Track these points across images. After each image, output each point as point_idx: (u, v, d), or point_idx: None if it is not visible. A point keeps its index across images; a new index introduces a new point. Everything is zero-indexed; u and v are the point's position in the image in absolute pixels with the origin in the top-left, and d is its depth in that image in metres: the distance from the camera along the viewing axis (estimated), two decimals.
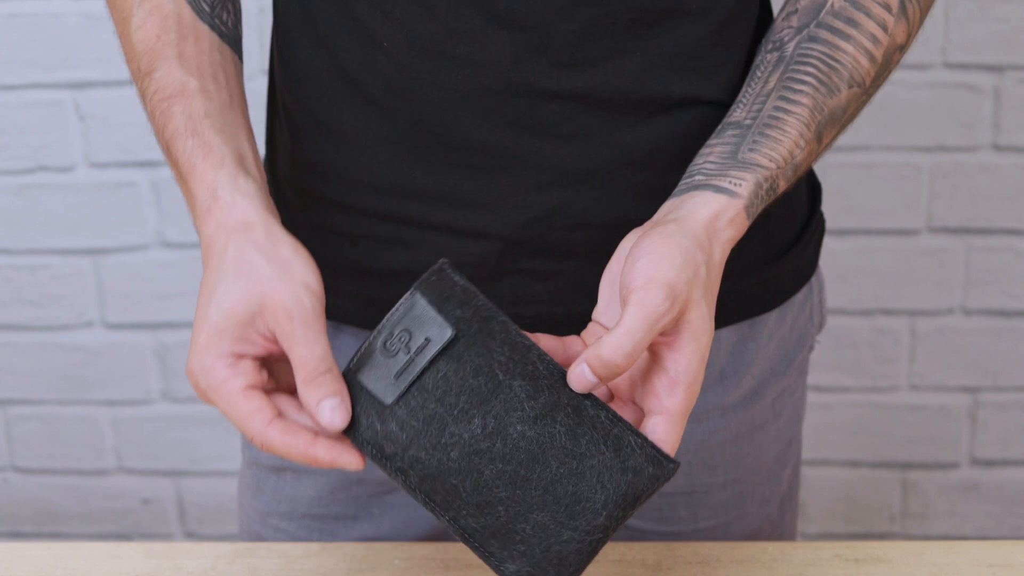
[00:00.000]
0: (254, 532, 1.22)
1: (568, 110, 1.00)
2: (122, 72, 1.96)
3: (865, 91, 1.01)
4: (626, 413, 0.90)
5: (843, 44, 0.99)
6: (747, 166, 0.94)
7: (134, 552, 1.07)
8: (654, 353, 0.88)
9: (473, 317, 0.87)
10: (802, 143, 0.97)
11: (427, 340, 0.87)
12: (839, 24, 0.99)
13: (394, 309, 0.88)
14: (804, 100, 0.97)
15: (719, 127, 0.99)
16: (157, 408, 2.16)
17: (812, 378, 2.02)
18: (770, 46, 1.01)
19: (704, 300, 0.88)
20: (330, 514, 1.17)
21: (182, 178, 0.94)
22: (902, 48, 1.02)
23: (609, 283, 0.92)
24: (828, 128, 0.99)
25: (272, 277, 0.87)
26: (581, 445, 0.85)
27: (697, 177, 0.95)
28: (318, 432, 0.86)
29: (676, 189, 0.96)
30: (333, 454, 0.85)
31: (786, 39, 1.00)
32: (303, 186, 1.10)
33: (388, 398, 0.86)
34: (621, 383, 0.91)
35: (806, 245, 1.15)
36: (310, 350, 0.85)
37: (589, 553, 0.85)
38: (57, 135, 2.01)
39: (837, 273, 2.02)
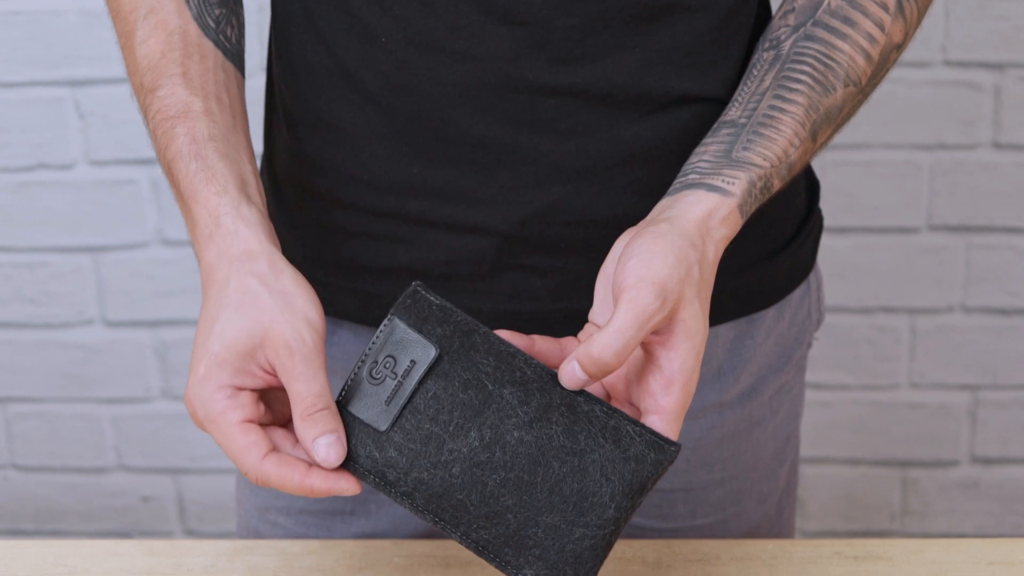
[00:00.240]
0: (252, 527, 1.22)
1: (567, 106, 1.00)
2: (122, 70, 1.95)
3: (861, 90, 1.01)
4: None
5: (839, 43, 0.99)
6: (741, 165, 0.94)
7: (134, 550, 1.07)
8: (648, 352, 0.88)
9: (454, 333, 0.88)
10: (796, 142, 0.97)
11: (412, 362, 0.87)
12: (836, 23, 0.99)
13: (374, 337, 0.88)
14: (799, 99, 0.97)
15: (714, 126, 0.99)
16: (157, 406, 2.16)
17: (812, 376, 2.02)
18: (767, 44, 1.01)
19: (697, 299, 0.88)
20: (327, 509, 1.17)
21: (183, 200, 0.94)
22: (899, 47, 1.02)
23: (603, 283, 0.92)
24: (823, 127, 0.99)
25: (274, 310, 0.87)
26: (580, 441, 0.86)
27: (691, 176, 0.95)
28: (311, 464, 0.86)
29: (670, 188, 0.96)
30: (329, 482, 0.86)
31: (783, 37, 1.00)
32: (301, 183, 1.10)
33: (382, 425, 0.87)
34: (617, 383, 0.91)
35: (804, 242, 1.15)
36: (308, 386, 0.86)
37: (604, 548, 0.85)
38: (57, 132, 2.00)
39: (837, 271, 2.02)
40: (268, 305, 0.87)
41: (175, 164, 0.94)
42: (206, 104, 0.96)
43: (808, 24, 0.99)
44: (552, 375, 0.87)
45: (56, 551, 1.07)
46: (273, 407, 0.90)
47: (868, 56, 1.00)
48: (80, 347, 2.13)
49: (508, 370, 0.87)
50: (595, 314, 0.92)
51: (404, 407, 0.87)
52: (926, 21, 1.09)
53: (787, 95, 0.97)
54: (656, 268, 0.86)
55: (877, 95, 1.04)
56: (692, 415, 1.13)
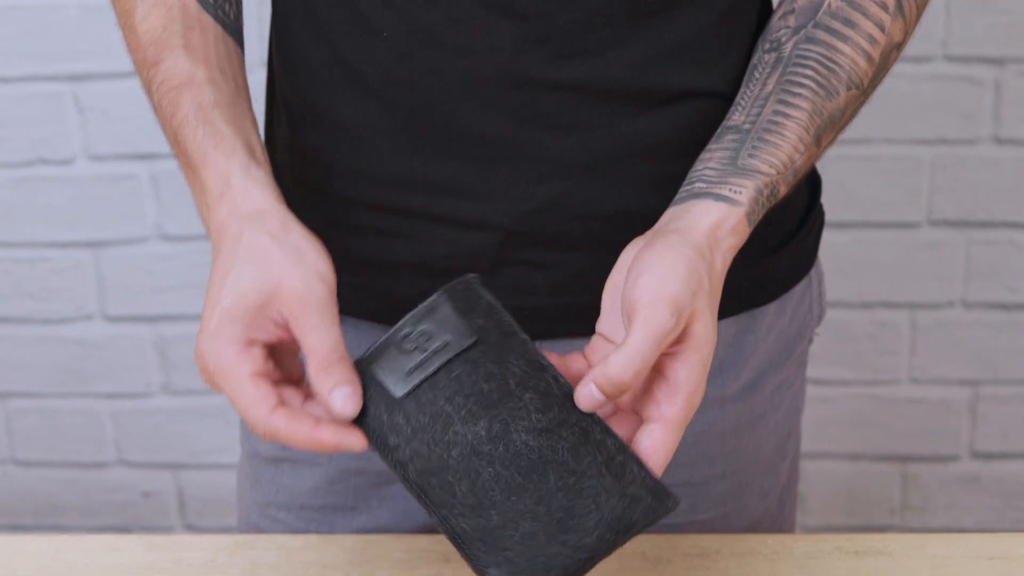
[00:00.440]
0: (253, 523, 1.22)
1: (568, 101, 1.00)
2: (121, 64, 1.96)
3: (863, 92, 1.00)
4: (627, 422, 0.90)
5: (841, 45, 0.98)
6: (747, 173, 0.94)
7: (134, 544, 1.07)
8: (656, 363, 0.88)
9: (494, 329, 0.88)
10: (801, 147, 0.97)
11: (446, 343, 0.87)
12: (837, 25, 0.99)
13: (417, 309, 0.89)
14: (803, 104, 0.97)
15: (718, 131, 0.98)
16: (157, 401, 2.16)
17: (812, 371, 2.01)
18: (767, 46, 1.01)
19: (709, 310, 0.88)
20: (328, 505, 1.17)
21: (191, 167, 0.94)
22: (899, 46, 1.02)
23: (611, 294, 0.92)
24: (827, 131, 0.99)
25: (286, 264, 0.87)
26: (582, 464, 0.85)
27: (697, 184, 0.94)
28: (320, 419, 0.86)
29: (676, 197, 0.95)
30: (338, 436, 0.86)
31: (783, 39, 1.00)
32: (302, 178, 1.10)
33: (398, 391, 0.87)
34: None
35: (805, 237, 1.15)
36: (323, 338, 0.86)
37: (574, 572, 0.84)
38: (56, 128, 2.00)
39: (837, 266, 2.02)
40: (280, 259, 0.87)
41: (182, 131, 0.94)
42: (209, 73, 0.97)
43: (809, 26, 0.99)
44: None
45: (56, 546, 1.07)
46: (282, 365, 0.90)
47: (869, 58, 0.99)
48: (80, 342, 2.13)
49: (535, 378, 0.87)
50: (601, 325, 0.92)
51: (424, 380, 0.87)
52: (926, 16, 1.09)
53: (791, 100, 0.97)
54: (669, 283, 0.86)
55: (878, 90, 1.04)
56: None
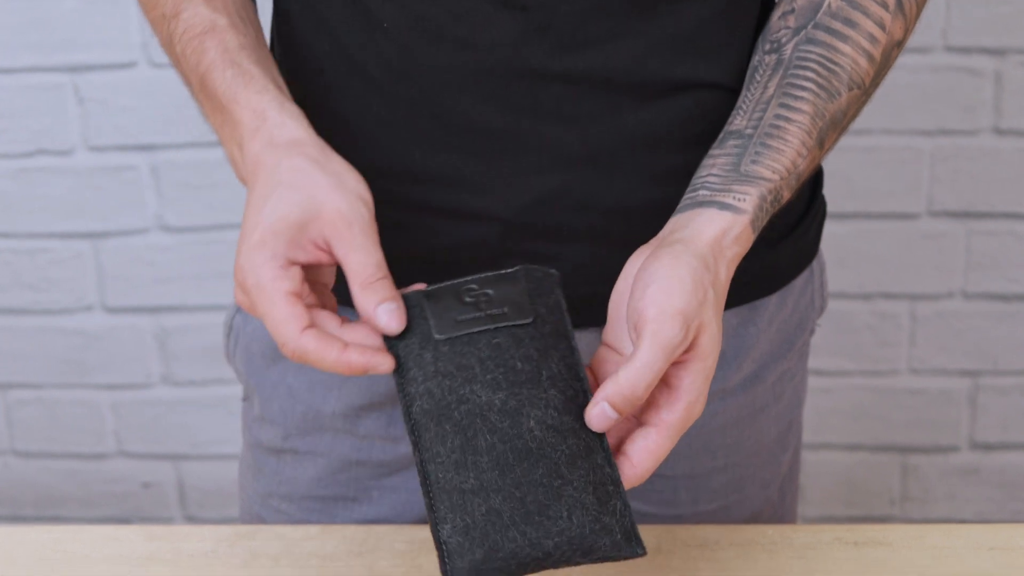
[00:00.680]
0: (255, 514, 1.22)
1: (569, 92, 1.00)
2: (121, 55, 1.96)
3: (865, 92, 1.00)
4: (624, 426, 0.90)
5: (841, 46, 0.98)
6: (751, 179, 0.94)
7: (134, 535, 1.07)
8: None
9: (551, 323, 0.89)
10: (804, 151, 0.96)
11: (503, 312, 0.89)
12: (837, 25, 0.98)
13: (492, 272, 0.90)
14: (805, 107, 0.97)
15: (720, 136, 0.98)
16: (157, 392, 2.16)
17: (812, 362, 2.01)
18: (768, 46, 1.01)
19: (715, 320, 0.88)
20: (330, 495, 1.17)
21: (221, 109, 0.95)
22: (900, 44, 1.02)
23: (617, 304, 0.92)
24: (829, 133, 0.98)
25: (328, 186, 0.88)
26: (573, 474, 0.85)
27: (701, 192, 0.94)
28: (350, 343, 0.87)
29: (680, 204, 0.95)
30: (366, 357, 0.86)
31: (784, 40, 1.00)
32: None
33: (439, 333, 0.88)
34: None
35: (807, 229, 1.15)
36: (367, 256, 0.87)
37: (517, 565, 0.84)
38: (56, 118, 2.00)
39: (837, 257, 2.01)
40: (322, 182, 0.88)
41: (209, 75, 0.95)
42: (231, 20, 0.98)
43: (809, 27, 0.99)
44: None
45: (56, 536, 1.07)
46: (316, 293, 0.90)
47: (870, 57, 0.99)
48: (80, 333, 2.13)
49: (566, 382, 0.87)
50: (608, 335, 0.92)
51: (467, 334, 0.88)
52: (927, 6, 1.08)
53: (792, 103, 0.97)
54: (676, 296, 0.86)
55: None
56: None
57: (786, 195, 0.96)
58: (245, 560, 1.04)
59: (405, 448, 1.14)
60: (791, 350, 1.18)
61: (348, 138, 1.05)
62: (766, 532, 1.07)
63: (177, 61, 1.00)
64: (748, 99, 0.99)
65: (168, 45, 1.01)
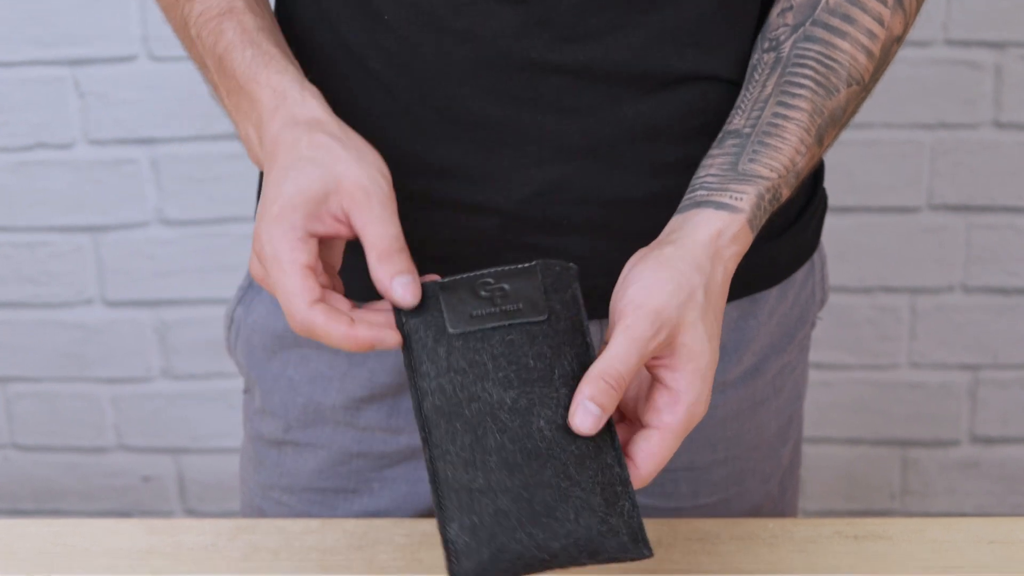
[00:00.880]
0: (255, 506, 1.22)
1: (569, 84, 1.00)
2: (122, 49, 1.96)
3: (864, 87, 1.00)
4: (630, 431, 0.90)
5: (840, 42, 0.98)
6: (748, 178, 0.94)
7: (134, 528, 1.07)
8: (655, 374, 0.88)
9: (566, 320, 0.89)
10: (803, 149, 0.96)
11: (518, 308, 0.89)
12: (835, 21, 0.98)
13: (509, 266, 0.90)
14: (803, 104, 0.96)
15: (719, 136, 0.98)
16: (157, 385, 2.16)
17: (812, 356, 2.01)
18: (766, 45, 1.01)
19: (702, 322, 0.88)
20: (331, 487, 1.17)
21: (239, 89, 0.95)
22: (899, 40, 1.02)
23: (614, 304, 0.92)
24: (829, 130, 0.98)
25: (348, 160, 0.89)
26: (582, 476, 0.85)
27: (699, 192, 0.94)
28: (359, 319, 0.87)
29: (680, 204, 0.95)
30: (373, 332, 0.87)
31: (782, 38, 0.99)
32: None
33: (453, 327, 0.88)
34: (627, 402, 0.91)
35: (808, 222, 1.15)
36: (385, 228, 0.87)
37: (524, 565, 0.84)
38: (56, 112, 2.00)
39: (838, 250, 2.01)
40: (342, 156, 0.89)
41: (228, 55, 0.96)
42: (247, 2, 0.99)
43: (807, 24, 0.99)
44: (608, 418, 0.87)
45: (56, 530, 1.07)
46: (329, 274, 0.91)
47: (869, 53, 0.99)
48: (80, 327, 2.13)
49: (579, 380, 0.87)
50: (609, 333, 0.92)
51: (481, 330, 0.88)
52: (927, 0, 1.08)
53: (790, 101, 0.97)
54: (654, 295, 0.87)
55: None
56: None
57: (785, 193, 0.96)
58: (245, 553, 1.04)
59: (406, 440, 1.14)
60: (791, 343, 1.18)
61: None
62: (767, 526, 1.07)
63: (191, 44, 1.00)
64: (746, 98, 0.99)
65: (182, 28, 1.01)
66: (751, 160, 0.95)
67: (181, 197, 2.03)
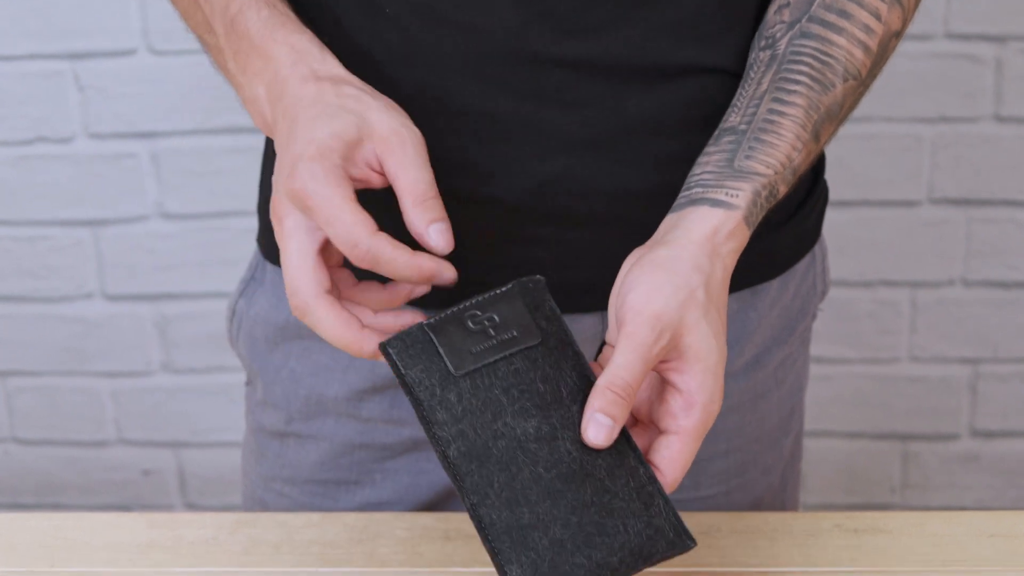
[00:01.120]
0: (257, 497, 1.22)
1: (571, 77, 1.00)
2: (122, 43, 1.96)
3: (862, 83, 1.00)
4: (648, 435, 0.90)
5: (835, 38, 0.98)
6: (744, 175, 0.94)
7: (135, 522, 1.07)
8: (665, 378, 0.88)
9: (554, 335, 0.89)
10: (799, 145, 0.96)
11: (514, 336, 0.88)
12: (831, 17, 0.98)
13: (490, 293, 0.89)
14: (798, 100, 0.96)
15: (715, 133, 0.98)
16: (157, 379, 2.16)
17: (812, 349, 2.01)
18: (763, 43, 1.00)
19: (705, 320, 0.88)
20: (332, 479, 1.17)
21: (251, 48, 0.94)
22: (898, 35, 1.01)
23: (613, 306, 0.92)
24: (825, 125, 0.98)
25: (378, 108, 0.89)
26: (616, 485, 0.85)
27: (695, 190, 0.94)
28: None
29: (676, 202, 0.95)
30: (435, 263, 0.88)
31: (778, 35, 0.99)
32: None
33: (456, 368, 0.87)
34: (641, 407, 0.91)
35: (809, 214, 1.15)
36: (419, 173, 0.88)
37: None
38: (56, 106, 2.00)
39: (838, 244, 2.01)
40: (373, 104, 0.89)
41: (241, 15, 0.95)
42: None
43: (803, 20, 0.99)
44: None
45: (56, 524, 1.07)
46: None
47: (866, 48, 0.99)
48: (80, 321, 2.13)
49: (584, 392, 0.87)
50: (610, 336, 0.92)
51: (485, 365, 0.87)
52: None
53: (785, 98, 0.96)
54: (652, 300, 0.86)
55: None
56: None
57: (782, 189, 0.96)
58: (246, 547, 1.04)
59: (408, 431, 1.14)
60: (793, 335, 1.18)
61: None
62: (767, 519, 1.07)
63: (198, 7, 0.99)
64: (743, 96, 0.99)
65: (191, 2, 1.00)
66: (747, 157, 0.95)
67: (181, 191, 2.03)
